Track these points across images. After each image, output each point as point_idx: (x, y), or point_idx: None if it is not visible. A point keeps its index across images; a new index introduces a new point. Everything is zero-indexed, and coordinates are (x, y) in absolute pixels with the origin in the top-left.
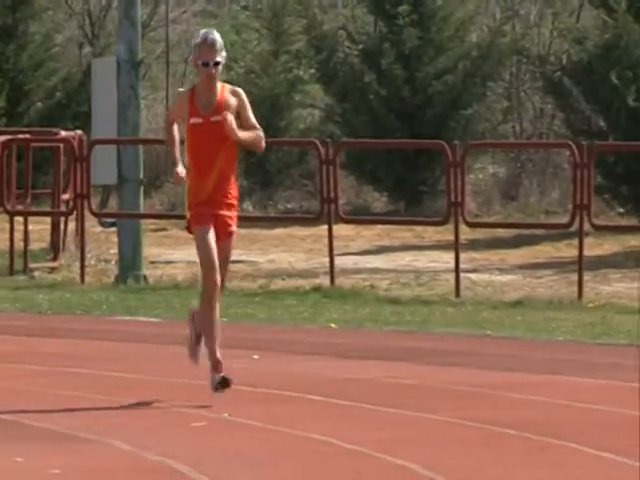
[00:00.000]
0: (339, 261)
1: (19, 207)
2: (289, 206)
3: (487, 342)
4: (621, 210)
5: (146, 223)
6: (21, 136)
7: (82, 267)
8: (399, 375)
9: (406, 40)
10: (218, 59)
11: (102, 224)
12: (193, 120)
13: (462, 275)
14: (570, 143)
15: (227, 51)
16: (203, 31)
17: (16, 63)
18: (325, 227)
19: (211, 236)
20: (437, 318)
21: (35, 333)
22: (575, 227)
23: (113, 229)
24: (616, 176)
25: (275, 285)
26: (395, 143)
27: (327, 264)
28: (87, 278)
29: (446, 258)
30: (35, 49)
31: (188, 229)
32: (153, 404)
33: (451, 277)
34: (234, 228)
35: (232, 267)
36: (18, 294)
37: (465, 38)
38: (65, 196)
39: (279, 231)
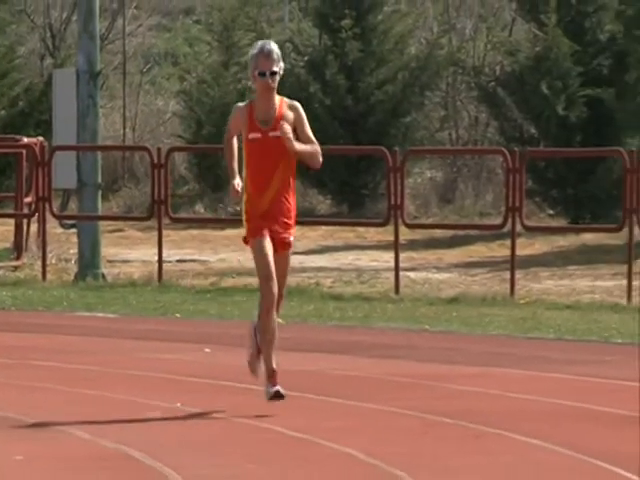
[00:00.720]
0: None
1: None
2: (238, 208)
3: (425, 336)
4: (551, 212)
5: (104, 225)
6: None
7: (44, 266)
8: (343, 367)
9: (349, 52)
10: (275, 69)
11: (62, 225)
12: (252, 135)
13: (401, 273)
14: (503, 149)
15: (180, 63)
16: (260, 42)
17: None
18: None
19: (268, 247)
20: (378, 314)
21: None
22: (507, 228)
23: (73, 230)
24: (546, 180)
25: (225, 283)
26: (338, 149)
27: None
28: (48, 276)
29: (386, 257)
30: None
31: (245, 240)
32: (111, 395)
33: (391, 275)
34: (291, 239)
35: (184, 266)
36: None
37: (404, 51)
38: (27, 199)
39: (229, 232)
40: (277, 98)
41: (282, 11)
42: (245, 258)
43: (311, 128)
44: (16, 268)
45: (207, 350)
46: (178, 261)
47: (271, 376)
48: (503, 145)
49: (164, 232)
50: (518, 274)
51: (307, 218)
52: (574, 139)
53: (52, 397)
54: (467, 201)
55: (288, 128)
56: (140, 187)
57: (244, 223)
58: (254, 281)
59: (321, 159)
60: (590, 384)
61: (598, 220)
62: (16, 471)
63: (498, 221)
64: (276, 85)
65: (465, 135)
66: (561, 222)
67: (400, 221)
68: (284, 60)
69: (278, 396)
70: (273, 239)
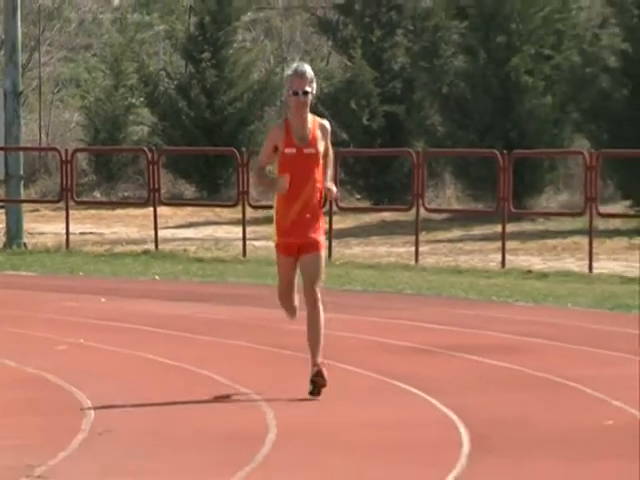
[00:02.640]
0: (161, 233)
1: None
2: (126, 194)
3: (268, 288)
4: (358, 197)
5: (25, 206)
6: None
7: None
8: (207, 312)
9: (207, 78)
10: (307, 89)
11: None
12: (288, 150)
13: (248, 242)
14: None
15: (81, 86)
16: (295, 64)
17: None
18: (151, 209)
19: (289, 268)
20: (231, 272)
21: None
22: (326, 209)
23: (1, 211)
24: (355, 173)
25: (117, 249)
26: (200, 150)
27: (153, 235)
28: None
29: (237, 230)
30: None
31: (276, 245)
32: (31, 333)
33: (240, 244)
34: (321, 239)
35: (85, 237)
36: None
37: (249, 76)
38: None
39: (119, 212)
40: (310, 117)
41: (158, 47)
42: (132, 231)
43: (180, 134)
44: None
45: (103, 300)
46: (81, 233)
47: (314, 370)
48: None
49: (70, 212)
50: (334, 242)
51: (177, 200)
52: (375, 142)
53: None
54: None
55: (336, 192)
56: (52, 178)
57: (274, 230)
58: (138, 248)
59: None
60: (389, 324)
61: (394, 202)
62: None
63: None
64: (309, 103)
65: None
66: (365, 204)
67: (247, 204)
68: (159, 83)
69: (318, 379)
70: (302, 244)
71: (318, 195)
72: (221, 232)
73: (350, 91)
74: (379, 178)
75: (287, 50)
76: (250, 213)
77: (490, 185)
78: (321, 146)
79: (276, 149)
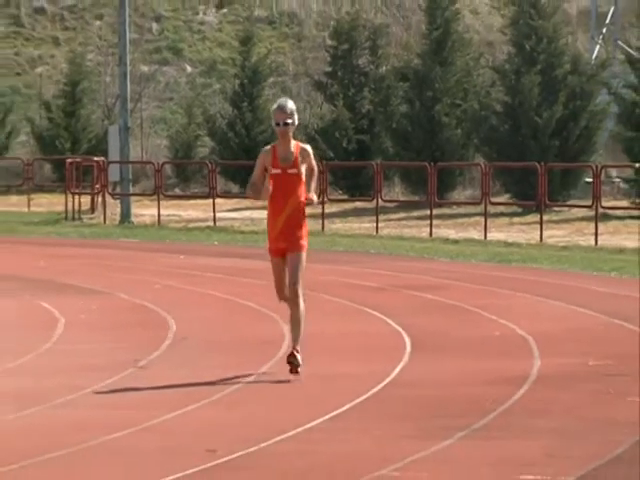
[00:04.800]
0: (218, 215)
1: None
2: (195, 190)
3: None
4: (340, 192)
5: (132, 197)
6: None
7: (104, 216)
8: (246, 264)
9: (246, 118)
10: (288, 120)
11: (113, 197)
12: (274, 171)
13: None
14: None
15: (165, 123)
16: (279, 100)
17: None
18: (211, 200)
19: (280, 268)
20: (262, 239)
21: None
22: (319, 200)
23: (118, 200)
24: (338, 177)
25: (190, 225)
26: (241, 164)
27: (212, 216)
28: (107, 222)
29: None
30: None
31: (269, 252)
32: (136, 277)
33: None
34: (302, 242)
35: (170, 218)
36: None
37: None
38: (97, 185)
39: (191, 201)
40: (293, 142)
41: (214, 98)
42: (198, 214)
43: (228, 154)
44: (91, 218)
45: (182, 257)
46: (167, 215)
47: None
48: None
49: (160, 202)
50: (326, 221)
51: (227, 194)
52: (351, 158)
53: (108, 279)
54: None
55: (315, 200)
56: (149, 180)
57: (268, 239)
58: (203, 224)
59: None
60: (359, 272)
61: (363, 195)
62: (94, 314)
63: None
64: (290, 132)
65: None
66: (345, 196)
67: None
68: None
69: (291, 358)
70: (287, 247)
71: (301, 206)
72: (255, 214)
73: (335, 126)
74: (353, 180)
75: (296, 101)
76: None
77: (422, 185)
78: (303, 167)
79: (266, 170)
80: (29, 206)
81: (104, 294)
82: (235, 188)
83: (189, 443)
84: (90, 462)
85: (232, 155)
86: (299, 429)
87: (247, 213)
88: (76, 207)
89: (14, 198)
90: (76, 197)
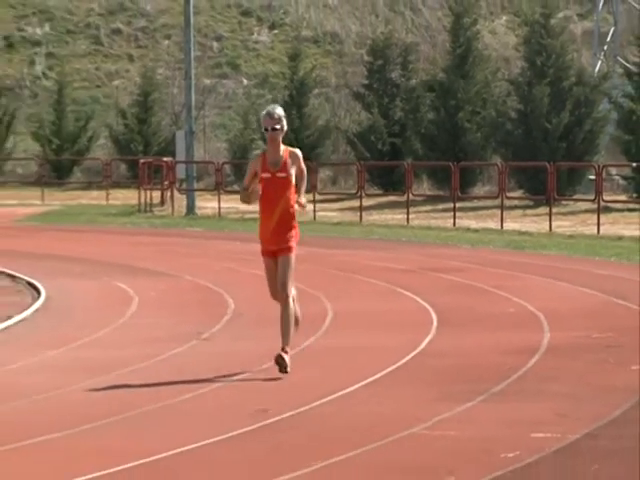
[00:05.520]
0: None
1: None
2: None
3: (321, 238)
4: (376, 188)
5: (197, 192)
6: None
7: (172, 209)
8: None
9: (295, 124)
10: (276, 126)
11: (180, 192)
12: (264, 175)
13: (316, 212)
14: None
15: (225, 128)
16: (268, 106)
17: None
18: None
19: (272, 268)
20: (306, 228)
21: None
22: (357, 193)
23: (184, 195)
24: (374, 175)
25: (245, 217)
26: None
27: None
28: (175, 213)
29: (310, 206)
30: None
31: (261, 254)
32: (198, 260)
33: (311, 213)
34: (291, 244)
35: (228, 210)
36: None
37: (317, 122)
38: (166, 182)
39: None
40: (283, 147)
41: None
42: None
43: None
44: (161, 210)
45: (238, 243)
46: (227, 208)
47: (282, 349)
48: None
49: (221, 196)
50: (363, 213)
51: None
52: (385, 158)
53: (175, 263)
54: None
55: (305, 204)
56: (210, 178)
57: (260, 241)
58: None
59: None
60: (392, 257)
61: (395, 191)
62: (163, 293)
63: None
64: (279, 137)
65: None
66: (380, 191)
67: (316, 192)
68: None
69: (279, 359)
70: (277, 250)
71: (291, 209)
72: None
73: (371, 130)
74: (387, 177)
75: (337, 109)
76: (318, 197)
77: (447, 182)
78: (292, 170)
79: (256, 174)
80: (107, 200)
81: (171, 276)
82: None
83: (244, 405)
84: (159, 422)
85: None
86: (340, 393)
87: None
88: (148, 201)
89: (94, 193)
90: (148, 192)
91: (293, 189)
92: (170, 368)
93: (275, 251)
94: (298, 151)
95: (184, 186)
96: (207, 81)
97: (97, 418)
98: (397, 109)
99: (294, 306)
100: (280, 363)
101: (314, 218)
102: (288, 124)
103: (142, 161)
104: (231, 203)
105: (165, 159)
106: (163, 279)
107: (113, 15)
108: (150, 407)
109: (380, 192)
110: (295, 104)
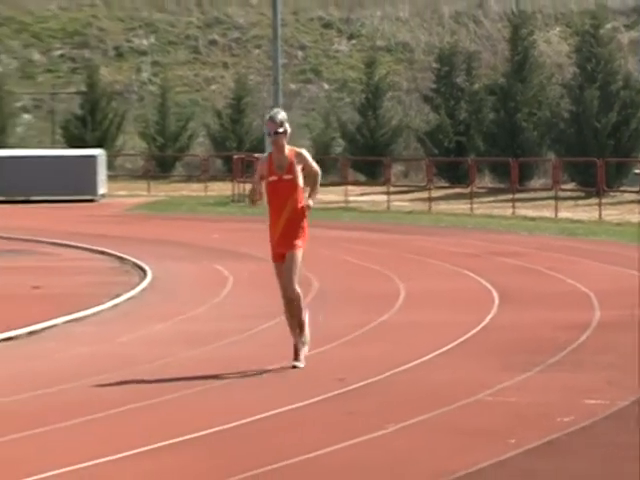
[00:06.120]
0: (350, 198)
1: None
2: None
3: (386, 224)
4: (444, 181)
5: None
6: None
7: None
8: (369, 236)
9: (371, 124)
10: (279, 130)
11: None
12: (271, 178)
13: (391, 202)
14: None
15: (308, 128)
16: (272, 110)
17: None
18: (344, 187)
19: (283, 274)
20: (380, 217)
21: None
22: (426, 187)
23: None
24: (441, 169)
25: (329, 206)
26: (366, 159)
27: (344, 198)
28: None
29: (384, 197)
30: None
31: (272, 258)
32: None
33: (385, 203)
34: (297, 242)
35: None
36: None
37: (391, 122)
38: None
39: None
40: (288, 148)
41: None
42: (333, 197)
43: (356, 152)
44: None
45: (319, 229)
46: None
47: (295, 351)
48: None
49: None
50: (432, 204)
51: (353, 180)
52: (450, 154)
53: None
54: None
55: (311, 206)
56: None
57: (270, 243)
58: (337, 205)
59: (319, 179)
60: (458, 242)
61: (460, 184)
62: (254, 275)
63: None
64: (282, 141)
65: None
66: (446, 184)
67: (390, 184)
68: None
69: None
70: (285, 248)
71: (300, 211)
72: (377, 198)
73: (438, 130)
74: (453, 172)
75: (408, 110)
76: (392, 189)
77: (506, 175)
78: (298, 171)
79: (262, 177)
80: (205, 191)
81: (261, 259)
82: (362, 177)
83: (326, 373)
84: (252, 388)
85: (359, 152)
86: (412, 363)
87: (371, 197)
88: (241, 192)
89: (194, 185)
90: (241, 184)
91: (300, 190)
92: (260, 341)
93: (284, 254)
94: (304, 151)
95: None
96: (293, 86)
97: (198, 385)
98: (462, 110)
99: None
100: (295, 367)
101: (388, 208)
102: (365, 125)
103: (236, 157)
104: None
105: (256, 155)
106: (254, 261)
107: (210, 27)
108: (239, 375)
109: (447, 185)
110: (371, 106)
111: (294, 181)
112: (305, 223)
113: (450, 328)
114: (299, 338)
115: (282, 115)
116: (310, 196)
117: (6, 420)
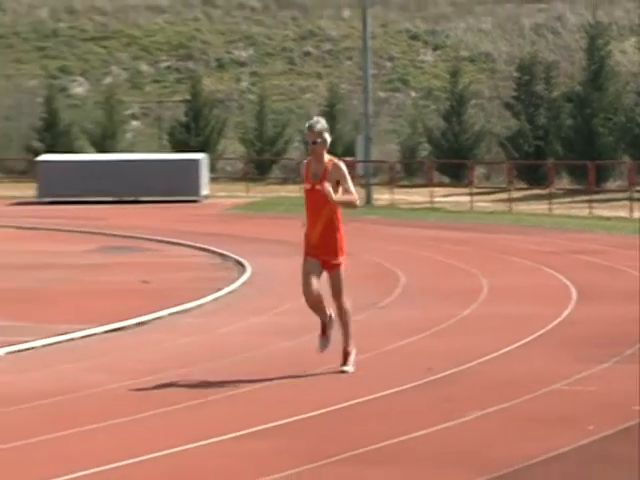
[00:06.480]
0: (435, 199)
1: None
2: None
3: (475, 225)
4: (522, 182)
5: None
6: None
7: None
8: (452, 235)
9: (455, 129)
10: (317, 140)
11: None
12: (306, 186)
13: (473, 203)
14: None
15: (395, 133)
16: (311, 120)
17: None
18: (428, 189)
19: (308, 268)
20: (463, 217)
21: None
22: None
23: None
24: (521, 172)
25: (414, 207)
26: (451, 162)
27: (430, 200)
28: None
29: (467, 198)
30: None
31: (304, 255)
32: (371, 243)
33: (469, 204)
34: (337, 261)
35: (398, 200)
36: None
37: (474, 128)
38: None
39: (416, 189)
40: (326, 158)
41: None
42: (417, 198)
43: (440, 155)
44: None
45: (409, 229)
46: (399, 198)
47: (343, 355)
48: None
49: (394, 189)
50: (513, 205)
51: (426, 182)
52: (531, 158)
53: (355, 244)
54: None
55: (328, 187)
56: (388, 173)
57: (304, 249)
58: (422, 206)
59: (357, 203)
60: (537, 240)
61: (539, 185)
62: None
63: None
64: (319, 150)
65: None
66: (525, 186)
67: (473, 185)
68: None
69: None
70: (324, 265)
71: (334, 220)
72: (462, 199)
73: (519, 135)
74: (533, 174)
75: (490, 117)
76: (474, 190)
77: (584, 177)
78: (331, 182)
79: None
80: (300, 192)
81: (351, 255)
82: (446, 179)
83: (414, 363)
84: (344, 376)
85: (444, 155)
86: (495, 354)
87: (455, 198)
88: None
89: (290, 187)
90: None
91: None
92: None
93: (322, 259)
94: (342, 165)
95: (363, 181)
96: (382, 94)
97: (293, 373)
98: (541, 117)
99: (346, 311)
100: (343, 372)
101: (471, 208)
102: (450, 130)
103: None
104: (402, 195)
105: (347, 159)
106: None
107: (304, 40)
108: (331, 365)
109: (526, 186)
110: (455, 113)
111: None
112: (341, 232)
113: (530, 321)
114: (347, 342)
115: (321, 125)
116: (336, 192)
117: (123, 403)
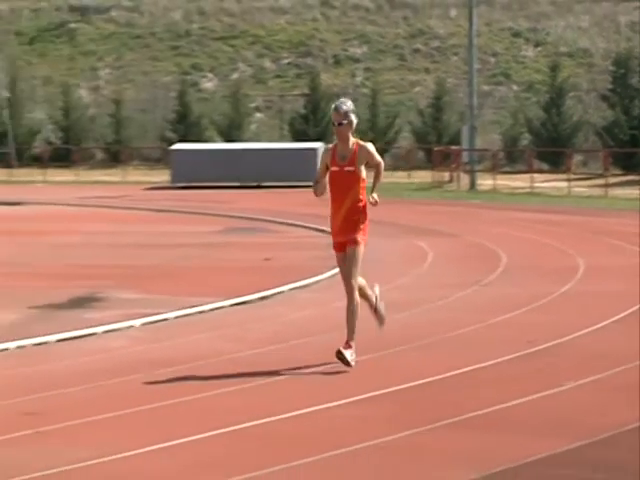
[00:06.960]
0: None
1: None
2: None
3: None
4: (613, 170)
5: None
6: None
7: (458, 183)
8: (550, 217)
9: (553, 119)
10: (343, 121)
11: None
12: (333, 168)
13: (535, 189)
14: None
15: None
16: (337, 101)
17: None
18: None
19: (342, 262)
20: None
21: None
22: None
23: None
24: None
25: (517, 192)
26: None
27: (531, 185)
28: (460, 187)
29: (528, 183)
30: None
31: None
32: (478, 226)
33: (530, 189)
34: (357, 238)
35: (500, 185)
36: None
37: (572, 118)
38: (453, 165)
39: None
40: (352, 140)
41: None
42: (514, 184)
43: (540, 144)
44: (450, 186)
45: (510, 212)
46: (501, 184)
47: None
48: None
49: (488, 174)
50: (593, 191)
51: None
52: (626, 147)
53: (459, 226)
54: None
55: (376, 201)
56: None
57: (331, 233)
58: (522, 191)
59: (382, 167)
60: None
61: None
62: (450, 250)
63: None
64: (346, 132)
65: None
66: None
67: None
68: None
69: (338, 355)
70: (345, 242)
71: (360, 203)
72: (560, 184)
73: (614, 124)
74: (628, 161)
75: (587, 108)
76: (572, 176)
77: None
78: (361, 164)
79: (327, 167)
80: (409, 178)
81: (456, 236)
82: (546, 166)
83: (515, 335)
84: (448, 347)
85: (543, 144)
86: (592, 328)
87: (554, 184)
88: (440, 179)
89: (399, 173)
90: (440, 173)
91: (362, 183)
92: (455, 306)
93: (344, 243)
94: (370, 145)
95: (468, 168)
96: (485, 87)
97: (400, 343)
98: (635, 108)
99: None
100: (341, 359)
101: (569, 193)
102: (549, 120)
103: (436, 149)
104: (504, 180)
105: (453, 147)
106: (451, 239)
107: (414, 38)
108: (435, 338)
109: (621, 172)
110: (555, 105)
111: (355, 173)
112: (366, 214)
113: (625, 298)
114: (350, 335)
115: (347, 106)
116: (374, 188)
117: (253, 369)
